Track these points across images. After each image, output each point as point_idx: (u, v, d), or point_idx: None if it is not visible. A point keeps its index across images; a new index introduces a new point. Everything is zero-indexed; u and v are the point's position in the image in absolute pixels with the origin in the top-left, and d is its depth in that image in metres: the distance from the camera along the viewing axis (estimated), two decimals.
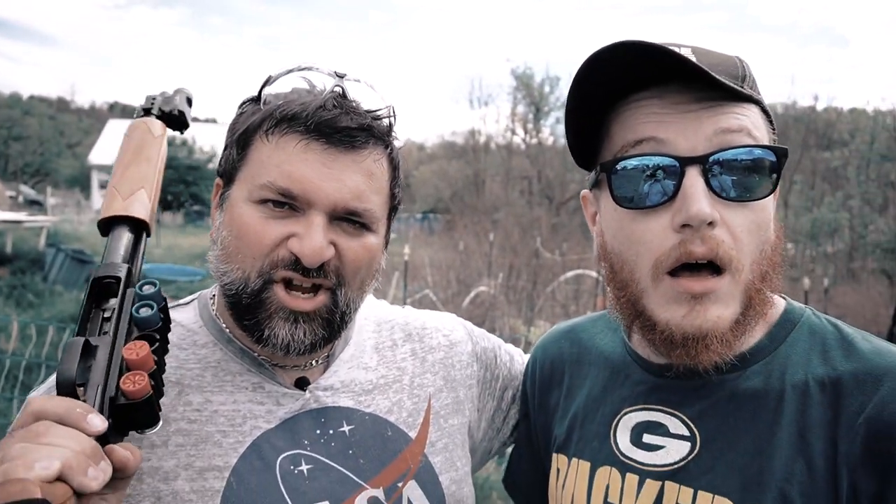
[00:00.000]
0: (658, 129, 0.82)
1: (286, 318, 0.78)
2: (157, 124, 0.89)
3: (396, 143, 0.86)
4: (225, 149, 0.84)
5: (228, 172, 0.83)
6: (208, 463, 0.75)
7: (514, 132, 29.04)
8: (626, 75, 0.83)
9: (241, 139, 0.80)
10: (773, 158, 0.82)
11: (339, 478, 0.81)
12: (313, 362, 0.88)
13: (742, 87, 0.82)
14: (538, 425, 1.10)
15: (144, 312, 0.70)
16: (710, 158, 0.79)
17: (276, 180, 0.76)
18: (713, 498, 0.82)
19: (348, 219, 0.80)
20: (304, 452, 0.80)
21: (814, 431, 0.80)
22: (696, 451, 0.86)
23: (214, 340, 0.83)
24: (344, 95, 0.80)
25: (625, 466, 0.92)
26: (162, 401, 0.74)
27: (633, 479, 0.90)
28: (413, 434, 0.91)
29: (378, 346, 0.95)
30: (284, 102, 0.79)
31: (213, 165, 32.36)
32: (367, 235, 0.83)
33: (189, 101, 0.94)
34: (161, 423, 0.66)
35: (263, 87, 0.81)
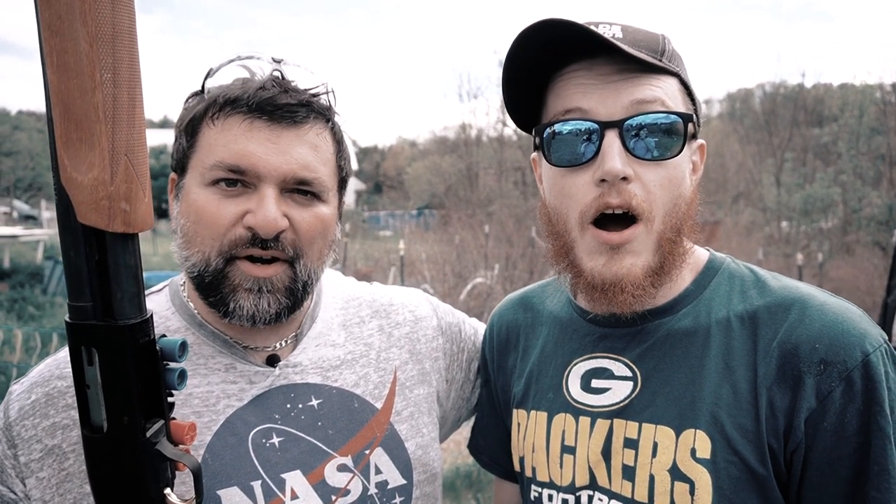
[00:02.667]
0: (583, 99, 0.92)
1: (249, 289, 0.81)
2: None
3: (337, 119, 0.91)
4: (175, 142, 0.85)
5: (181, 163, 0.85)
6: None
7: (504, 124, 29.04)
8: (554, 50, 0.92)
9: (189, 128, 0.83)
10: (681, 123, 0.92)
11: (310, 448, 0.85)
12: (283, 342, 0.91)
13: (659, 61, 0.92)
14: (498, 387, 1.18)
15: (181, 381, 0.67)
16: (626, 123, 0.90)
17: (224, 159, 0.79)
18: (655, 428, 0.92)
19: (299, 189, 0.83)
20: (275, 426, 0.84)
21: (736, 359, 0.90)
22: (637, 389, 0.96)
23: (186, 325, 0.86)
24: (282, 77, 0.84)
25: (577, 411, 1.01)
26: None
27: (585, 421, 0.99)
28: (379, 405, 0.95)
29: (345, 323, 0.99)
30: (227, 87, 0.83)
31: None
32: (319, 205, 0.86)
33: None
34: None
35: (206, 79, 0.85)
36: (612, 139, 0.90)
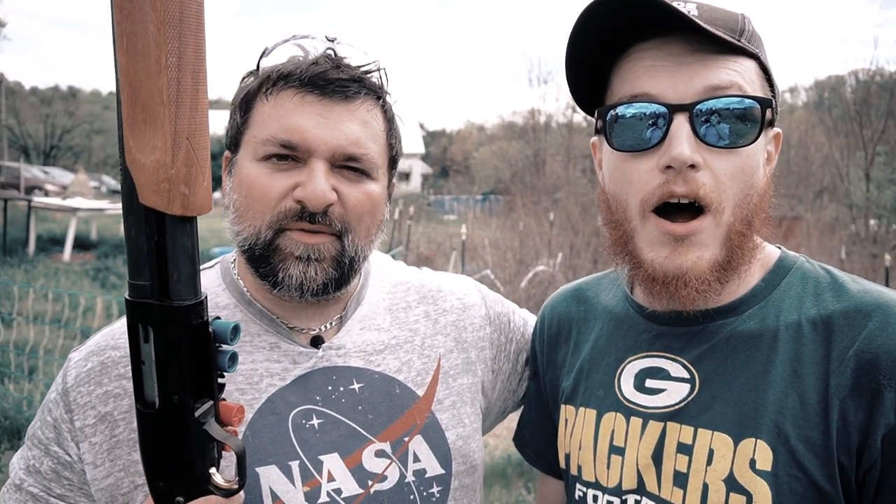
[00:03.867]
0: (651, 83, 0.86)
1: (299, 257, 0.81)
2: None
3: (390, 99, 0.89)
4: (230, 119, 0.87)
5: (234, 140, 0.86)
6: None
7: (574, 110, 28.43)
8: (622, 25, 0.86)
9: (243, 105, 0.84)
10: (758, 108, 0.85)
11: (349, 432, 0.85)
12: (328, 324, 0.91)
13: (738, 41, 0.85)
14: (547, 381, 1.14)
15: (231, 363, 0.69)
16: (696, 107, 0.84)
17: (276, 134, 0.80)
18: (712, 434, 0.86)
19: (348, 166, 0.83)
20: (316, 408, 0.85)
21: (806, 367, 0.83)
22: (695, 393, 0.90)
23: (235, 302, 0.88)
24: (335, 54, 0.84)
25: (629, 410, 0.96)
26: None
27: (636, 422, 0.95)
28: (421, 392, 0.94)
29: (392, 308, 0.98)
30: (280, 64, 0.84)
31: None
32: (368, 182, 0.85)
33: None
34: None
35: (261, 58, 0.86)
36: (680, 123, 0.84)
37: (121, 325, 0.85)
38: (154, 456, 0.66)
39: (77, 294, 5.69)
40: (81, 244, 12.00)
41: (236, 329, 0.68)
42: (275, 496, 0.79)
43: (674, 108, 0.84)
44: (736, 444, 0.85)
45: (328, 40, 0.85)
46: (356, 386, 0.88)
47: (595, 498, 0.98)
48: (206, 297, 0.66)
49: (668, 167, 0.85)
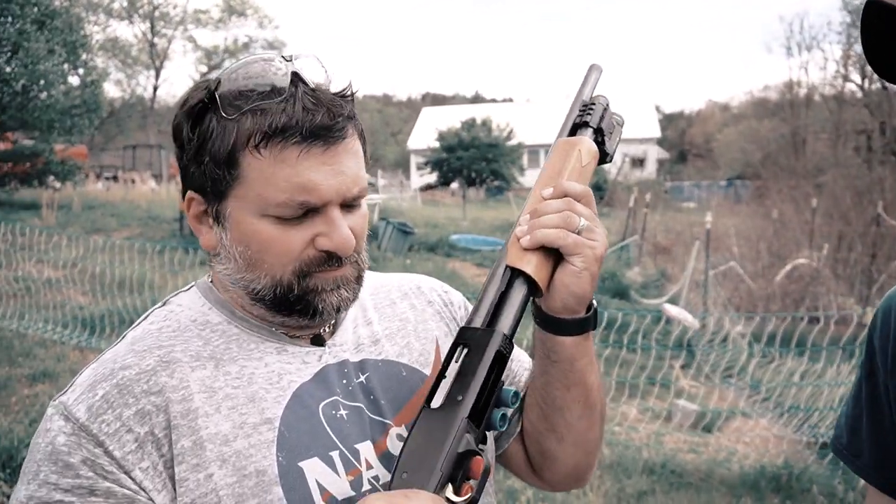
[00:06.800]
0: None
1: (334, 289, 0.82)
2: (590, 149, 0.87)
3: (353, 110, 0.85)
4: (197, 161, 0.80)
5: (216, 190, 0.80)
6: (259, 418, 0.78)
7: (846, 78, 24.45)
8: None
9: (227, 158, 0.78)
10: None
11: (371, 421, 0.84)
12: (326, 328, 0.89)
13: None
14: (891, 387, 0.95)
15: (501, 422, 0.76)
16: None
17: (293, 197, 0.76)
18: None
19: (352, 203, 0.82)
20: (339, 399, 0.83)
21: None
22: None
23: (227, 319, 0.85)
24: (311, 88, 0.79)
25: None
26: (204, 373, 0.78)
27: None
28: (427, 371, 0.91)
29: (377, 306, 0.97)
30: (261, 112, 0.76)
31: (511, 143, 33.52)
32: (362, 204, 0.84)
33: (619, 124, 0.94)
34: None
35: (215, 90, 0.79)
36: None
37: (112, 354, 0.82)
38: (411, 449, 0.73)
39: None
40: None
41: (517, 395, 0.77)
42: (322, 489, 0.78)
43: None
44: None
45: (286, 60, 0.80)
46: (363, 378, 0.87)
47: None
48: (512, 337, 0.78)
49: None
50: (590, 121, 0.90)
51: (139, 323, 0.84)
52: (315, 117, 0.77)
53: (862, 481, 0.94)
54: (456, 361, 0.75)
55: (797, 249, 10.63)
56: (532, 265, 0.79)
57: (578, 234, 0.79)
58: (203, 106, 0.79)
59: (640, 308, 7.74)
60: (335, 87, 0.82)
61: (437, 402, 0.73)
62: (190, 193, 0.83)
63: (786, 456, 4.19)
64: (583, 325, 0.84)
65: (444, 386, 0.74)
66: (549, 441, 0.89)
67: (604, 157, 0.91)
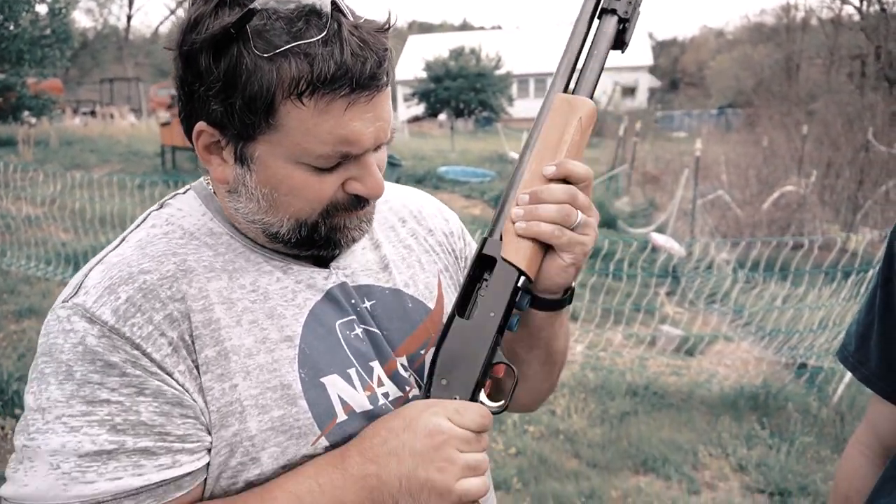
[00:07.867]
0: None
1: (357, 225, 0.81)
2: (590, 113, 0.80)
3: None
4: (221, 98, 0.70)
5: (244, 132, 0.72)
6: (279, 335, 0.77)
7: (844, 0, 23.77)
8: None
9: (264, 104, 0.70)
10: None
11: (381, 342, 0.84)
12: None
13: None
14: None
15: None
16: None
17: (335, 148, 0.71)
18: None
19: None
20: (353, 319, 0.83)
21: None
22: None
23: (229, 232, 0.81)
24: (343, 13, 0.70)
25: None
26: (220, 283, 0.75)
27: None
28: (431, 305, 0.91)
29: (381, 226, 0.94)
30: (304, 56, 0.67)
31: (500, 72, 32.60)
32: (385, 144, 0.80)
33: None
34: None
35: (244, 18, 0.68)
36: None
37: (120, 257, 0.76)
38: (447, 357, 0.78)
39: None
40: None
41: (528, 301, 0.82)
42: (344, 402, 0.79)
43: None
44: None
45: None
46: (368, 304, 0.86)
47: None
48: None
49: None
50: (618, 7, 0.81)
51: (139, 225, 0.80)
52: (365, 66, 0.69)
53: (836, 398, 0.94)
54: (485, 280, 0.80)
55: (786, 177, 10.60)
56: (525, 259, 0.79)
57: (573, 230, 0.77)
58: (227, 35, 0.68)
59: (626, 236, 7.76)
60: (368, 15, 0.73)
61: (471, 316, 0.79)
62: (201, 125, 0.74)
63: (764, 377, 4.30)
64: (558, 304, 0.84)
65: (480, 296, 0.79)
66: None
67: (620, 46, 0.83)
